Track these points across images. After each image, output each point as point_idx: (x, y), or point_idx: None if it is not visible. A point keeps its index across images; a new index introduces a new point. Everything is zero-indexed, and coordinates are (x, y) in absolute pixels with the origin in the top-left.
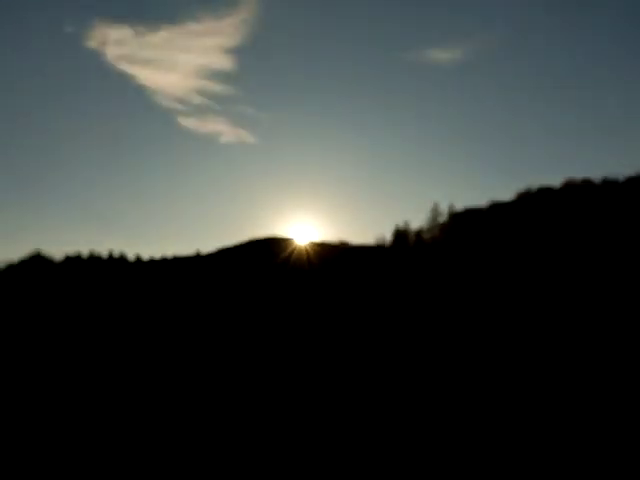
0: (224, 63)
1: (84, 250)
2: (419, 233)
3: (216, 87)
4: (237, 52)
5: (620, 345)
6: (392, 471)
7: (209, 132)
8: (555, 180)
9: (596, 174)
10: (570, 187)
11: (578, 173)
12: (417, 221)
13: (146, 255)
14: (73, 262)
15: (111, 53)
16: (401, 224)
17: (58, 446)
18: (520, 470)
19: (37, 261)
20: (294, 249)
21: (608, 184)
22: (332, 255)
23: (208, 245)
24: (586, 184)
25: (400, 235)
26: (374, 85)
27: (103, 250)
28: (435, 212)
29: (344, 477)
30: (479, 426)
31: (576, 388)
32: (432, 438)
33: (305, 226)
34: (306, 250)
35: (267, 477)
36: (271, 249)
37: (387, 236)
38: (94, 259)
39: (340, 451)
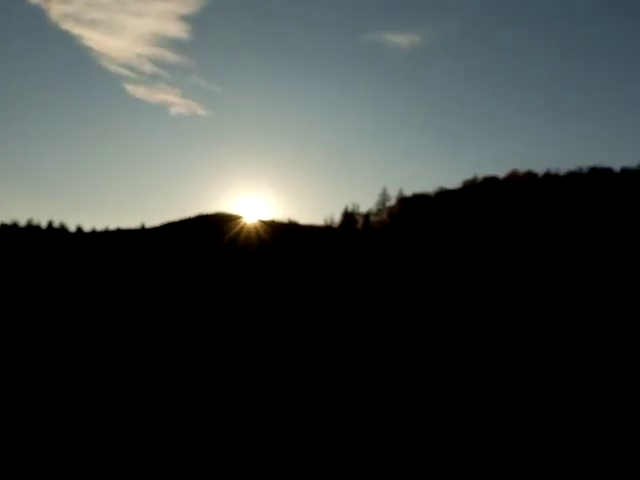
0: (178, 31)
1: (22, 219)
2: (368, 216)
3: (168, 55)
4: (192, 20)
5: (559, 330)
6: (390, 470)
7: (159, 102)
8: (500, 171)
9: (540, 167)
10: (514, 178)
11: (524, 164)
12: (366, 204)
13: (88, 226)
14: (9, 231)
15: (56, 10)
16: (350, 206)
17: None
18: (520, 470)
19: None
20: (243, 227)
21: (550, 177)
22: (281, 234)
23: (154, 218)
24: (529, 176)
25: (349, 217)
26: (330, 64)
27: (42, 219)
28: (384, 196)
29: (343, 476)
30: (434, 407)
31: (523, 374)
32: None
33: (254, 202)
34: (255, 228)
35: (264, 476)
36: (219, 225)
37: (336, 217)
38: (32, 228)
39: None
